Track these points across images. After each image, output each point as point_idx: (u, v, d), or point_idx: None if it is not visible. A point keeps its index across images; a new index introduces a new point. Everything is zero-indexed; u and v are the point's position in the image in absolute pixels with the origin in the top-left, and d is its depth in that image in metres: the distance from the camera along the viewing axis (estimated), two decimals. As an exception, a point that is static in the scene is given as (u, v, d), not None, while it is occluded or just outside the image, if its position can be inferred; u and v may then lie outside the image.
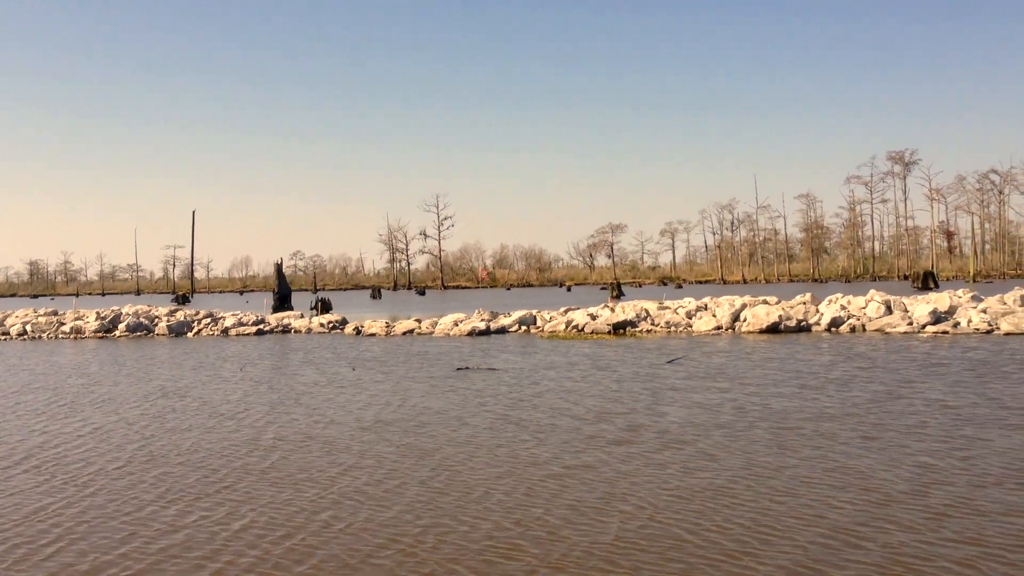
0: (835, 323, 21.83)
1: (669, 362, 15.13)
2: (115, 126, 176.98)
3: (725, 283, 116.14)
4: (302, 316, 27.51)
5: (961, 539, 5.33)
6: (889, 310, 22.25)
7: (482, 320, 24.12)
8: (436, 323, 24.27)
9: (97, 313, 26.89)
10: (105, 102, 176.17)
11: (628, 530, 5.64)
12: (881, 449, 7.91)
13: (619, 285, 58.47)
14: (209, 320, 25.88)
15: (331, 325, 25.35)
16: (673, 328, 22.75)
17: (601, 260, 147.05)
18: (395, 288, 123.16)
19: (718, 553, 5.18)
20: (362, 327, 24.42)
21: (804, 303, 23.17)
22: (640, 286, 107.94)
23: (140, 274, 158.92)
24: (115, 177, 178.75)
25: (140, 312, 26.36)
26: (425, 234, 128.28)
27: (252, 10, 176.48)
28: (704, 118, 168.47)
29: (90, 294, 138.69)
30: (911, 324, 21.23)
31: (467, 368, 14.83)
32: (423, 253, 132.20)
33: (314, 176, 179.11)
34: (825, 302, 23.32)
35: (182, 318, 25.82)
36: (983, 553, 5.08)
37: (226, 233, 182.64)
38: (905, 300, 22.74)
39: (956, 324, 20.97)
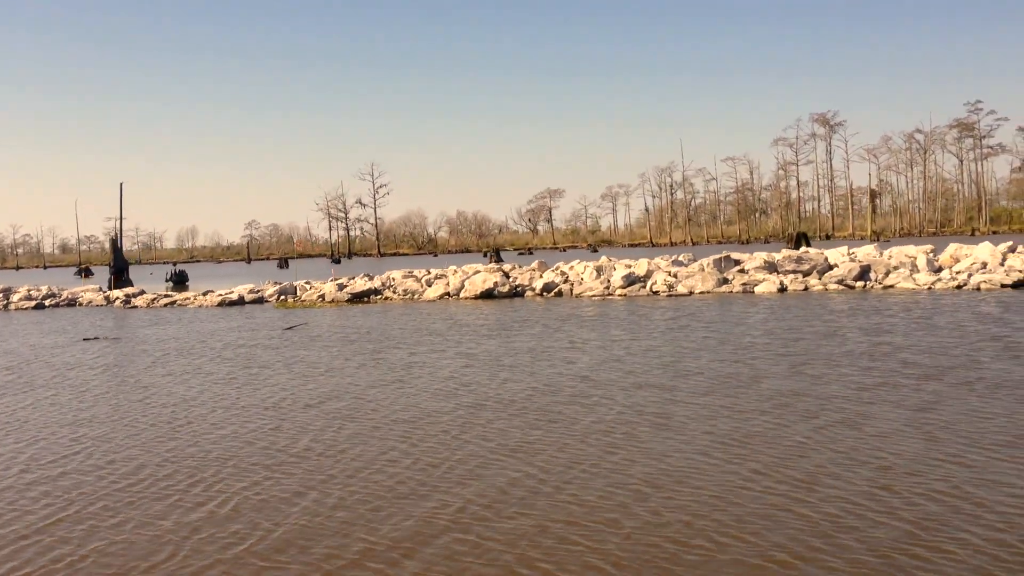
0: (547, 288, 24.35)
1: (287, 328, 17.60)
2: (61, 99, 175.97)
3: (654, 245, 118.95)
4: (101, 289, 29.69)
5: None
6: (599, 275, 24.79)
7: (250, 292, 26.42)
8: (205, 294, 26.60)
9: None
10: (52, 74, 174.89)
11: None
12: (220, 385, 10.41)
13: (498, 251, 60.85)
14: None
15: (116, 299, 27.56)
16: (409, 295, 25.20)
17: (545, 225, 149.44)
18: (331, 256, 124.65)
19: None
20: (128, 299, 26.73)
21: (532, 270, 25.68)
22: (564, 251, 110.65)
23: (94, 245, 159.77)
24: (61, 150, 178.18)
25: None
26: (361, 202, 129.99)
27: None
28: (648, 83, 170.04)
29: (37, 267, 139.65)
30: (607, 287, 23.80)
31: (96, 338, 17.19)
32: (360, 221, 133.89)
33: (270, 146, 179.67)
34: (551, 269, 25.83)
35: (-24, 294, 28.02)
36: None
37: (187, 205, 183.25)
38: (617, 265, 25.28)
39: (643, 286, 23.56)
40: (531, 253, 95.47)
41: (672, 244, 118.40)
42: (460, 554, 4.89)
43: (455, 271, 26.07)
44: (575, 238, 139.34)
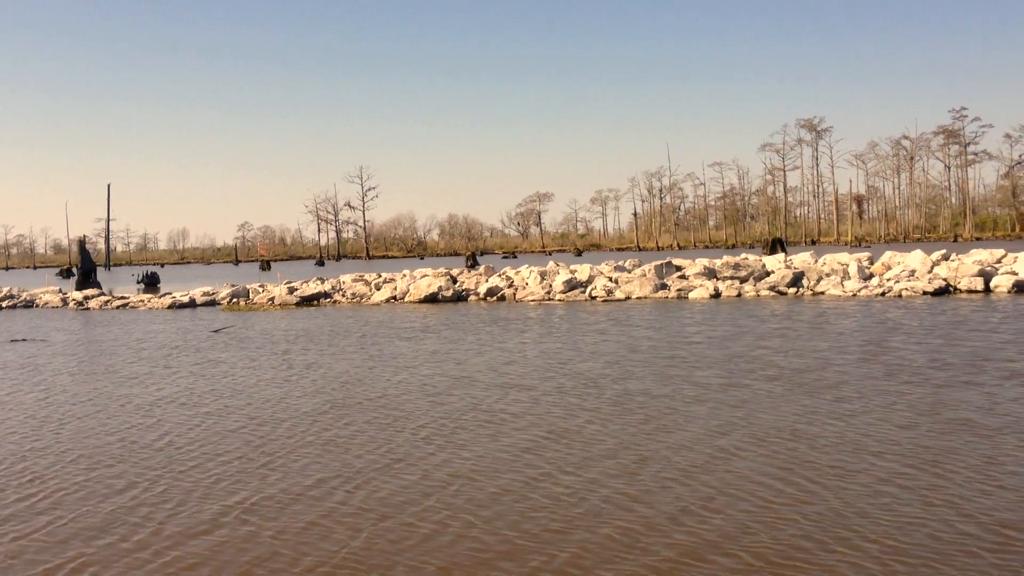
0: (491, 293, 24.88)
1: (215, 331, 18.14)
2: (57, 99, 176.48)
3: (641, 250, 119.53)
4: (60, 291, 30.20)
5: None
6: (543, 280, 25.33)
7: (203, 295, 26.94)
8: (162, 297, 27.13)
9: None
10: (46, 75, 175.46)
11: None
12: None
13: (474, 255, 61.56)
14: (-42, 297, 28.66)
15: (72, 300, 28.09)
16: (357, 299, 25.72)
17: (536, 228, 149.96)
18: (316, 259, 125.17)
19: None
20: (83, 301, 27.27)
21: (479, 274, 26.23)
22: (550, 254, 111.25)
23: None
24: (57, 150, 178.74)
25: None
26: (350, 205, 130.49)
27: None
28: (642, 87, 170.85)
29: (28, 267, 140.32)
30: (549, 292, 24.34)
31: (23, 340, 17.69)
32: (348, 224, 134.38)
33: (265, 148, 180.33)
34: (496, 275, 26.36)
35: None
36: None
37: (181, 206, 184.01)
38: (560, 270, 25.82)
39: (583, 291, 24.11)
40: (515, 257, 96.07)
41: (658, 248, 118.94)
42: (230, 541, 5.44)
43: (404, 275, 26.62)
44: (564, 242, 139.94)
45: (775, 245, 67.49)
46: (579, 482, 6.23)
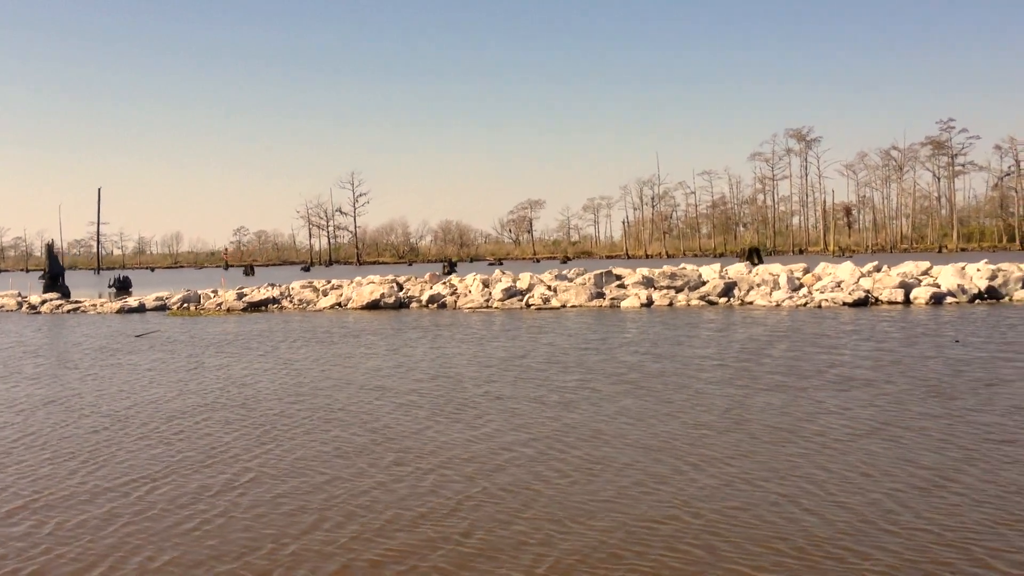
0: (433, 300, 25.45)
1: (138, 336, 18.72)
2: (52, 100, 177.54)
3: (630, 257, 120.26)
4: (20, 294, 30.81)
5: None
6: (485, 288, 25.90)
7: (155, 300, 27.52)
8: (105, 302, 27.74)
9: None
10: (41, 76, 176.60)
11: None
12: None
13: (452, 263, 62.25)
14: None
15: (27, 304, 28.72)
16: (303, 305, 26.29)
17: (528, 236, 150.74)
18: (303, 264, 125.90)
19: None
20: (36, 305, 27.90)
21: (423, 282, 26.81)
22: (538, 261, 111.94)
23: (83, 249, 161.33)
24: (61, 152, 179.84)
25: None
26: (341, 211, 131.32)
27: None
28: (635, 94, 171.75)
29: (21, 270, 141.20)
30: (488, 299, 24.92)
31: None
32: (340, 229, 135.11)
33: (259, 151, 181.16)
34: (440, 283, 26.94)
35: None
36: None
37: (178, 210, 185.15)
38: (502, 279, 26.39)
39: (521, 299, 24.68)
40: (501, 264, 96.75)
41: (647, 256, 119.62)
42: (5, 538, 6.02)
43: (350, 282, 27.20)
44: (555, 249, 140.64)
45: (751, 254, 68.27)
46: (367, 478, 6.79)
